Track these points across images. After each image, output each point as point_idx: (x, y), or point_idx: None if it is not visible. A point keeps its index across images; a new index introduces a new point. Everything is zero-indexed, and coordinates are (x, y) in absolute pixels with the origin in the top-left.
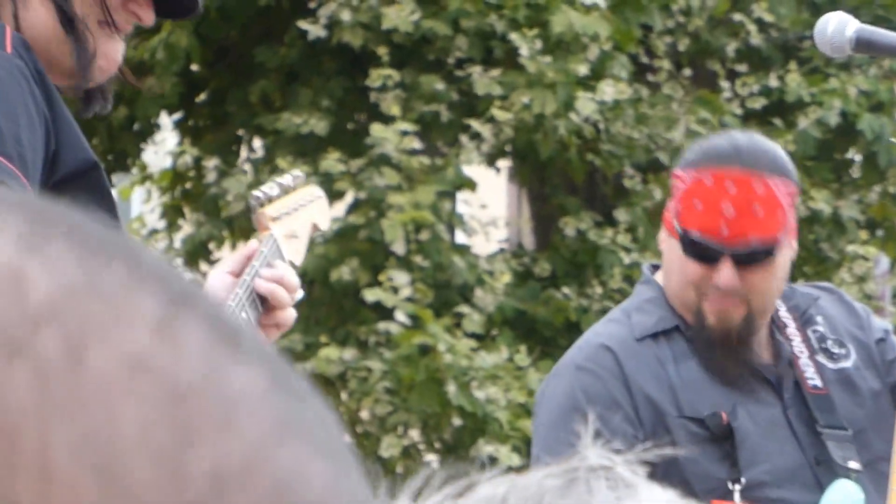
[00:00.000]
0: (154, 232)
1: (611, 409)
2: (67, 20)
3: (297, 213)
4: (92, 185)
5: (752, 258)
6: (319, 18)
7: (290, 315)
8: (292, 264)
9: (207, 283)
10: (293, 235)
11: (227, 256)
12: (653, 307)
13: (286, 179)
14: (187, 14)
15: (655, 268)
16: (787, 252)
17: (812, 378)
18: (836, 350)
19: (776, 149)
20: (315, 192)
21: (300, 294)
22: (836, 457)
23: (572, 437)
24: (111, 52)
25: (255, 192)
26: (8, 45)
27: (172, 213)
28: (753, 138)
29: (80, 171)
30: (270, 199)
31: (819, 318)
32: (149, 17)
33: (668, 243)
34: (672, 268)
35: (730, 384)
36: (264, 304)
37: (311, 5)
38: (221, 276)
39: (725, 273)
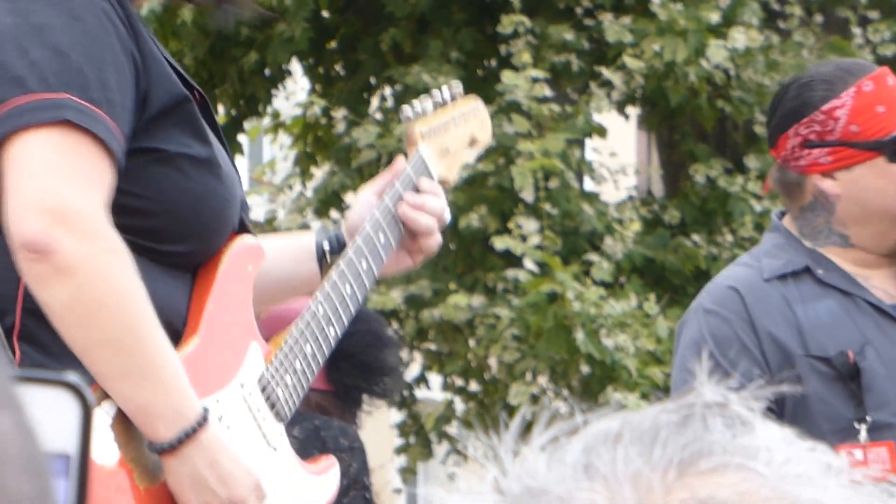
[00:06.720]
0: (287, 177)
1: (738, 351)
2: None
3: (452, 128)
4: (185, 118)
5: None
6: None
7: (433, 242)
8: (445, 181)
9: (354, 205)
10: (446, 151)
11: (378, 177)
12: (782, 251)
13: (443, 93)
14: None
15: (783, 214)
16: None
17: None
18: None
19: None
20: (474, 104)
21: (448, 217)
22: None
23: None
24: None
25: (407, 108)
26: None
27: (305, 161)
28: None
29: (171, 106)
30: (424, 114)
31: None
32: None
33: (850, 176)
34: (871, 192)
35: None
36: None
37: None
38: (369, 198)
39: None
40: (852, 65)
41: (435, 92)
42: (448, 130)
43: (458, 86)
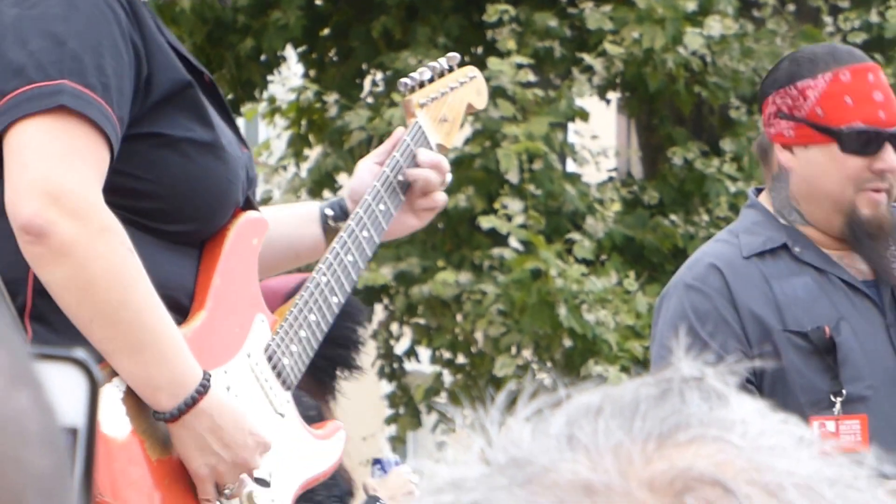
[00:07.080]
0: (281, 158)
1: (719, 326)
2: None
3: (449, 96)
4: (188, 103)
5: None
6: None
7: (441, 197)
8: (443, 147)
9: (356, 173)
10: (443, 119)
11: (378, 147)
12: (760, 228)
13: (440, 63)
14: None
15: (759, 191)
16: None
17: None
18: None
19: None
20: (470, 72)
21: (450, 177)
22: None
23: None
24: None
25: (404, 79)
26: None
27: (299, 143)
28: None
29: (175, 91)
30: (422, 85)
31: None
32: None
33: (805, 154)
34: (819, 174)
35: (889, 274)
36: (407, 191)
37: None
38: (370, 166)
39: (889, 156)
40: (845, 53)
41: (432, 63)
42: (446, 99)
43: (455, 56)
